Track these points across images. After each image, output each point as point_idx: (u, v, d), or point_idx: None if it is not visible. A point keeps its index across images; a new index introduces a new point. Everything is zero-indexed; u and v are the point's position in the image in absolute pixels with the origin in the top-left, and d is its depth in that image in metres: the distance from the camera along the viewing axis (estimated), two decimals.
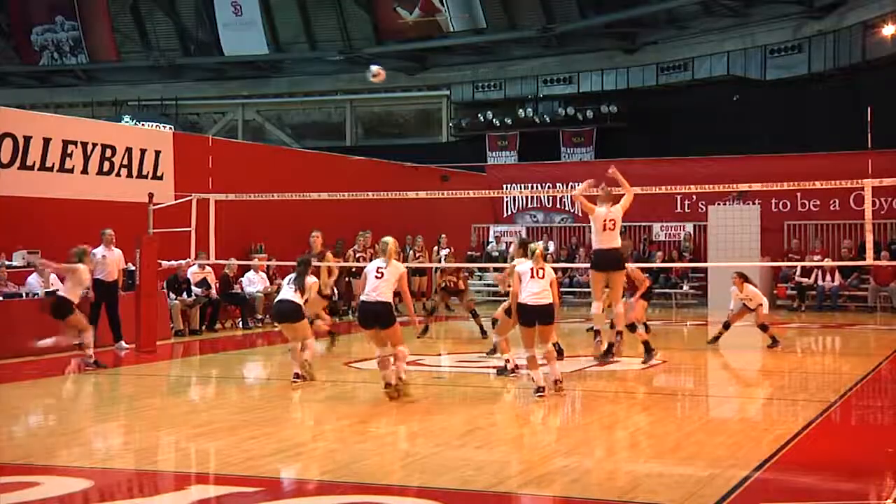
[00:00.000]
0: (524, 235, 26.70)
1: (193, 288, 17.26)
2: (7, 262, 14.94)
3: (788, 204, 24.54)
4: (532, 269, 10.46)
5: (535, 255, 10.50)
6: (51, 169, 16.45)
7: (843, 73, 28.26)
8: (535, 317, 10.40)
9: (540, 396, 10.31)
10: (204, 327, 17.42)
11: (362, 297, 10.41)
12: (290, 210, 19.29)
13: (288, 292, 11.46)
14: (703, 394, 11.81)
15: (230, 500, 6.65)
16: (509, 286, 11.20)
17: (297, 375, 11.44)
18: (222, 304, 18.00)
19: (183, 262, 16.91)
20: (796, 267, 22.46)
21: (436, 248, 23.01)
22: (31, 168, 16.12)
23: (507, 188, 27.81)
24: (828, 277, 22.40)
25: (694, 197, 24.93)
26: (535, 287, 10.39)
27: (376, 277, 10.30)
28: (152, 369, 13.58)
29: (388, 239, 10.60)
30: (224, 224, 16.16)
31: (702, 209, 24.57)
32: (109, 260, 14.84)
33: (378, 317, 10.26)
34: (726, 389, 12.24)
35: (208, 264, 17.17)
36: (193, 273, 17.35)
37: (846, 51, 28.04)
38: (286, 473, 7.33)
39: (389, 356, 10.32)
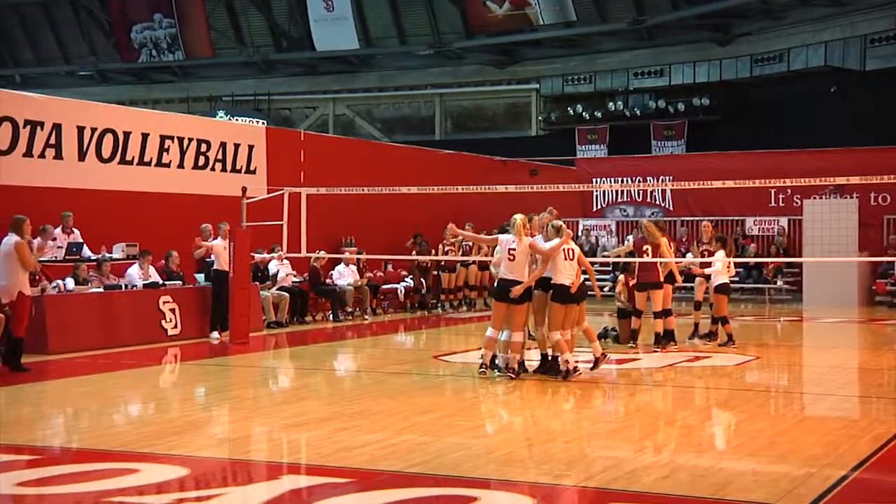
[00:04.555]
0: (614, 229, 26.55)
1: (279, 277, 17.55)
2: (109, 255, 15.36)
3: (888, 197, 23.85)
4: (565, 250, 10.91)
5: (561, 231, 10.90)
6: (149, 164, 16.86)
7: None
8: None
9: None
10: (294, 319, 17.67)
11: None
12: (379, 204, 19.44)
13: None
14: (797, 391, 11.56)
15: (321, 491, 6.73)
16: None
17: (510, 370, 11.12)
18: (312, 297, 18.25)
19: (275, 255, 17.20)
20: None
21: None
22: (130, 163, 16.55)
23: (596, 182, 27.59)
24: None
25: (789, 191, 24.41)
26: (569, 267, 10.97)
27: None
28: (245, 360, 13.84)
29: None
30: (315, 217, 16.36)
31: (797, 203, 24.04)
32: (228, 251, 15.21)
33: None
34: (822, 386, 11.90)
35: (297, 256, 17.39)
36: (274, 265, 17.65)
37: None
38: (376, 465, 7.40)
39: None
